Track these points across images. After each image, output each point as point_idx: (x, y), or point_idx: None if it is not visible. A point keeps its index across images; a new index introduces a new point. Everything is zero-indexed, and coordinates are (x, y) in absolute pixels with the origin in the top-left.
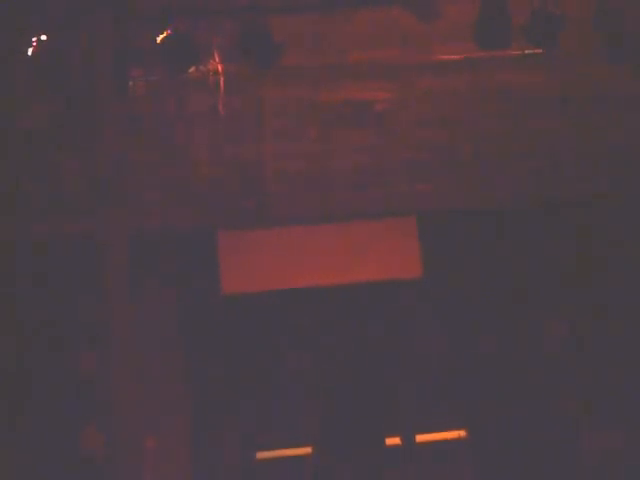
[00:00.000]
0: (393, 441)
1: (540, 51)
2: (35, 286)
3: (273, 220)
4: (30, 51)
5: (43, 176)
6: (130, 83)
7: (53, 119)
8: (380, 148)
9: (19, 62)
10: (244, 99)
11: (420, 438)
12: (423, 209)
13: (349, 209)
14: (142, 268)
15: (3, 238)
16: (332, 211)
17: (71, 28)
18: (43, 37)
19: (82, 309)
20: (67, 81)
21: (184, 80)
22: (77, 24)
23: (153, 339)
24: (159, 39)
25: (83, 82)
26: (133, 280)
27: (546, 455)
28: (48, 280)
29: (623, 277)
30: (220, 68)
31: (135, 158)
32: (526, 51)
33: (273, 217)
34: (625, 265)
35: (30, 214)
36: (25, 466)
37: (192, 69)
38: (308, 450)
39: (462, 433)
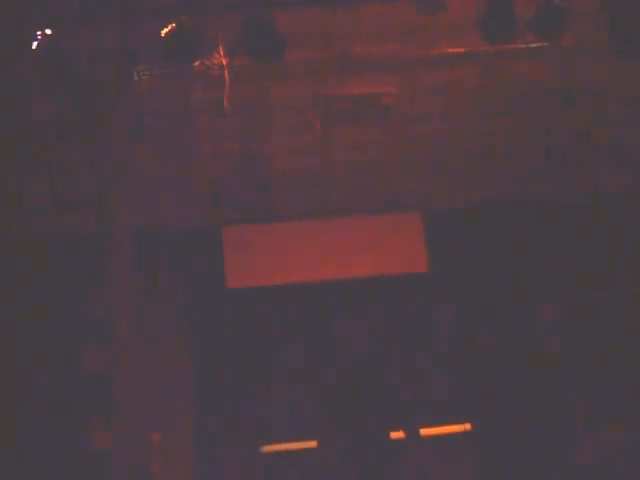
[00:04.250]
0: (398, 435)
1: (546, 44)
2: (36, 285)
3: (278, 215)
4: (35, 45)
5: (46, 174)
6: (135, 78)
7: (56, 116)
8: (385, 142)
9: (22, 58)
10: (248, 94)
11: (425, 432)
12: (428, 204)
13: (353, 204)
14: (147, 264)
15: (3, 238)
16: (337, 206)
17: (76, 24)
18: (48, 31)
19: (84, 307)
20: (71, 77)
21: (189, 75)
22: (82, 20)
23: (158, 335)
24: (164, 33)
25: (87, 78)
26: (138, 277)
27: (547, 452)
28: (49, 278)
29: (623, 276)
30: (225, 62)
31: (140, 154)
32: (531, 44)
33: (278, 212)
34: (625, 264)
35: (31, 213)
36: (31, 463)
37: (197, 63)
38: (313, 444)
39: (467, 427)
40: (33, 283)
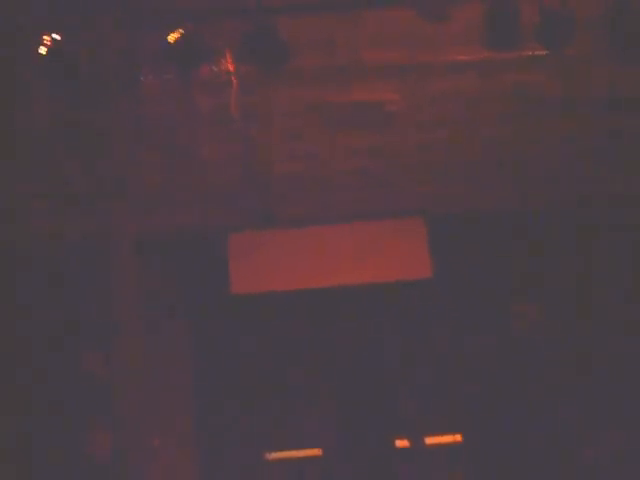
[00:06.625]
0: (402, 443)
1: (549, 53)
2: (36, 286)
3: (282, 221)
4: (44, 50)
5: (48, 176)
6: (140, 83)
7: (58, 119)
8: (389, 149)
9: (22, 62)
10: (253, 100)
11: (429, 440)
12: (431, 210)
13: (357, 210)
14: (149, 268)
15: (3, 238)
16: (340, 212)
17: (79, 28)
18: (56, 36)
19: (86, 310)
20: (74, 81)
21: (194, 81)
22: (85, 24)
23: (160, 339)
24: (170, 39)
25: (90, 82)
26: (138, 278)
27: (548, 458)
28: (50, 279)
29: (623, 278)
30: (232, 68)
31: (144, 159)
32: (535, 52)
33: (282, 218)
34: (625, 265)
35: (32, 214)
36: (30, 465)
37: (202, 69)
38: (317, 452)
39: (470, 434)
40: (33, 284)
